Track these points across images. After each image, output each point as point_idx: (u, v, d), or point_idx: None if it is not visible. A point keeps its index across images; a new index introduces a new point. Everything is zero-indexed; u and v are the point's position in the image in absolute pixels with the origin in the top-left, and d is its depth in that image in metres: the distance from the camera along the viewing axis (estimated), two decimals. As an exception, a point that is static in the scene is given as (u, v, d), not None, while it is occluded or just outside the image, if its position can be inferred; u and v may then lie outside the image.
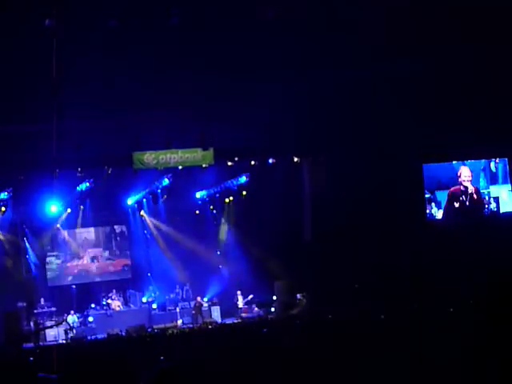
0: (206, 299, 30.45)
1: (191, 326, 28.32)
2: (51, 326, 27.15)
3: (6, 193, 26.86)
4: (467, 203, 28.77)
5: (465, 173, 28.84)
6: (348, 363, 10.62)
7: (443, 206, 28.92)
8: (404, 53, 22.73)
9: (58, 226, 30.54)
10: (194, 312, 29.27)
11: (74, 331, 27.30)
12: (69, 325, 27.22)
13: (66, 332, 26.86)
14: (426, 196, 29.00)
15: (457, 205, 28.72)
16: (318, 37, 21.37)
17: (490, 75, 24.02)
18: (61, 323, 27.12)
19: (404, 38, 21.84)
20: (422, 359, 10.02)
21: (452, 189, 28.96)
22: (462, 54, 22.84)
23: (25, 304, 28.38)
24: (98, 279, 31.27)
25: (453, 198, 28.86)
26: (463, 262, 26.23)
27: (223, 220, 32.30)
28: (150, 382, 6.18)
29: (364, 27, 21.18)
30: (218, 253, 32.23)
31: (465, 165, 29.03)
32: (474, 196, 28.76)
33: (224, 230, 32.37)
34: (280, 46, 21.51)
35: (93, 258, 31.53)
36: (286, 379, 9.87)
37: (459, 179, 28.85)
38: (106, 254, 31.83)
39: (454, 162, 29.12)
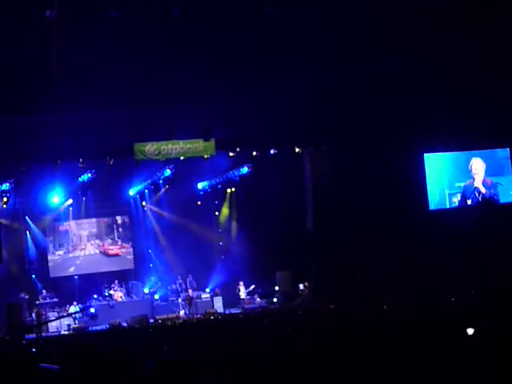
0: (207, 290, 30.51)
1: (191, 316, 28.41)
2: (57, 319, 27.20)
3: (7, 184, 26.83)
4: (479, 197, 28.72)
5: (475, 165, 28.76)
6: (349, 354, 10.63)
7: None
8: (405, 46, 22.76)
9: (61, 217, 30.61)
10: (187, 304, 29.30)
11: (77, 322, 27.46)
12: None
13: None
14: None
15: (469, 200, 28.68)
16: (319, 31, 21.40)
17: (493, 64, 24.01)
18: (65, 317, 27.18)
19: (402, 32, 21.91)
20: (424, 351, 10.04)
21: (467, 182, 28.93)
22: (463, 43, 22.85)
23: (27, 295, 28.43)
24: (100, 268, 31.28)
25: (466, 191, 28.80)
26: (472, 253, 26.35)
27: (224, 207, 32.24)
28: (155, 372, 6.18)
29: (363, 24, 21.26)
30: (219, 231, 32.34)
31: (478, 156, 28.97)
32: (482, 190, 28.66)
33: (224, 215, 32.32)
34: (281, 39, 21.53)
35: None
36: (288, 370, 9.88)
37: (471, 172, 28.81)
38: (109, 241, 31.92)
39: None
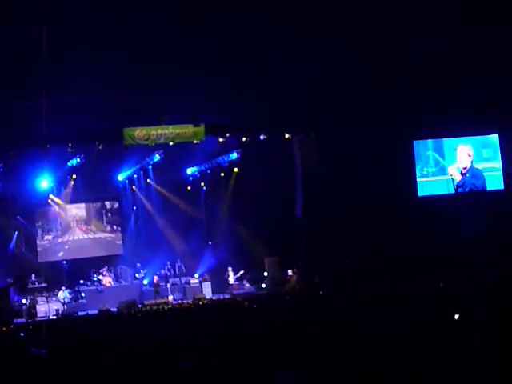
0: (196, 275, 30.53)
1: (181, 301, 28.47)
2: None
3: (-4, 168, 26.82)
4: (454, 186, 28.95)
5: (458, 151, 28.99)
6: (338, 339, 10.68)
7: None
8: (395, 33, 22.71)
9: (49, 201, 30.53)
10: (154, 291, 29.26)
11: (65, 307, 27.46)
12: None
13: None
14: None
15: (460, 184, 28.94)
16: (314, 16, 21.33)
17: (478, 52, 24.04)
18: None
19: (393, 20, 21.85)
20: (413, 336, 10.09)
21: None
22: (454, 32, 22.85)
23: (14, 280, 28.37)
24: (88, 253, 31.25)
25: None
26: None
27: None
28: (139, 354, 6.23)
29: (356, 11, 21.18)
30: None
31: (468, 142, 29.13)
32: (456, 178, 28.82)
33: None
34: (271, 23, 21.45)
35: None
36: (276, 355, 9.92)
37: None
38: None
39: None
